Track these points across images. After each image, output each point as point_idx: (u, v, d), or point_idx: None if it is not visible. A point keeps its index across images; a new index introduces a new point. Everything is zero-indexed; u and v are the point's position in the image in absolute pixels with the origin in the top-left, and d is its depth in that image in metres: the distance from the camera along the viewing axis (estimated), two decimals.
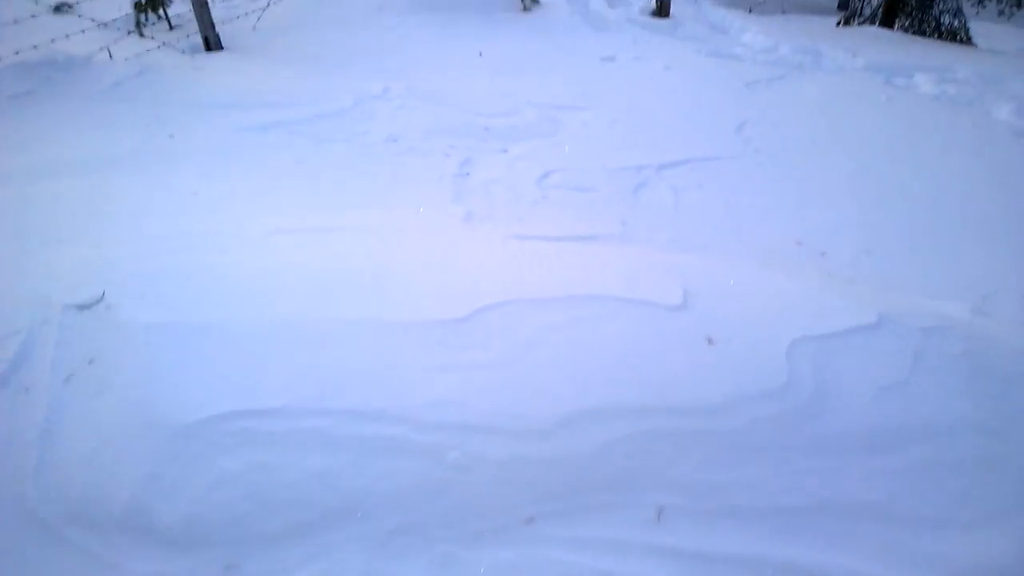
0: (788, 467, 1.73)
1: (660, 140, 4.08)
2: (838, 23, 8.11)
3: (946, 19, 7.54)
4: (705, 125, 4.30)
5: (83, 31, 4.52)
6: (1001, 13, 7.91)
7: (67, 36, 4.30)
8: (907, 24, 7.63)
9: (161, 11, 5.49)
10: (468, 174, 3.62)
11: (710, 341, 1.95)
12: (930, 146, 3.94)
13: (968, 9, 8.22)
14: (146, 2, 5.29)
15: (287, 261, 2.42)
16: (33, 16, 4.29)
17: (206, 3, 4.94)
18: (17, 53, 3.98)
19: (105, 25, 4.76)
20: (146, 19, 5.31)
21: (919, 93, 4.76)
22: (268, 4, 5.91)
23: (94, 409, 1.89)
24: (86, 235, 2.64)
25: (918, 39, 6.84)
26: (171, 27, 5.55)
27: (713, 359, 1.93)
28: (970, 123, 4.25)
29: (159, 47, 4.73)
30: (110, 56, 4.45)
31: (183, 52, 4.85)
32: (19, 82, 3.83)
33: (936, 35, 7.42)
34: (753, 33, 6.29)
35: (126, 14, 5.21)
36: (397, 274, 2.33)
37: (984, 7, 8.43)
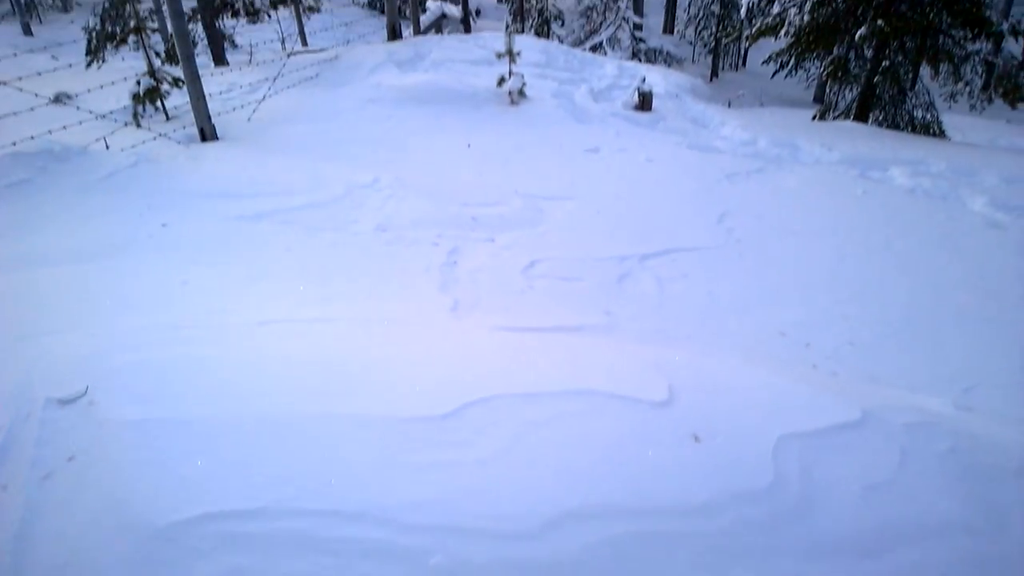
0: (776, 572, 1.69)
1: (643, 230, 4.18)
2: (814, 117, 8.49)
3: (919, 113, 7.92)
4: (687, 216, 4.41)
5: (80, 123, 4.64)
6: (973, 107, 8.32)
7: (64, 127, 4.41)
8: (881, 118, 8.01)
9: (159, 103, 5.66)
10: (455, 263, 3.67)
11: (696, 438, 1.95)
12: (907, 238, 4.05)
13: (940, 103, 8.65)
14: (144, 94, 5.46)
15: (273, 354, 2.42)
16: (32, 109, 4.40)
17: (203, 96, 5.11)
18: (15, 144, 4.07)
19: (103, 117, 4.89)
20: (144, 110, 5.47)
21: (894, 186, 4.93)
22: (264, 97, 6.11)
23: (71, 511, 1.83)
24: (74, 325, 2.63)
25: (892, 132, 7.14)
26: (168, 118, 5.71)
27: (699, 457, 1.91)
28: (945, 215, 4.39)
29: (155, 138, 4.85)
30: (107, 146, 4.56)
31: (179, 142, 4.97)
32: (15, 171, 3.90)
33: (910, 128, 7.77)
34: (732, 127, 6.56)
35: (124, 106, 5.37)
36: (383, 368, 2.32)
37: (956, 101, 8.88)
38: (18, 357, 2.37)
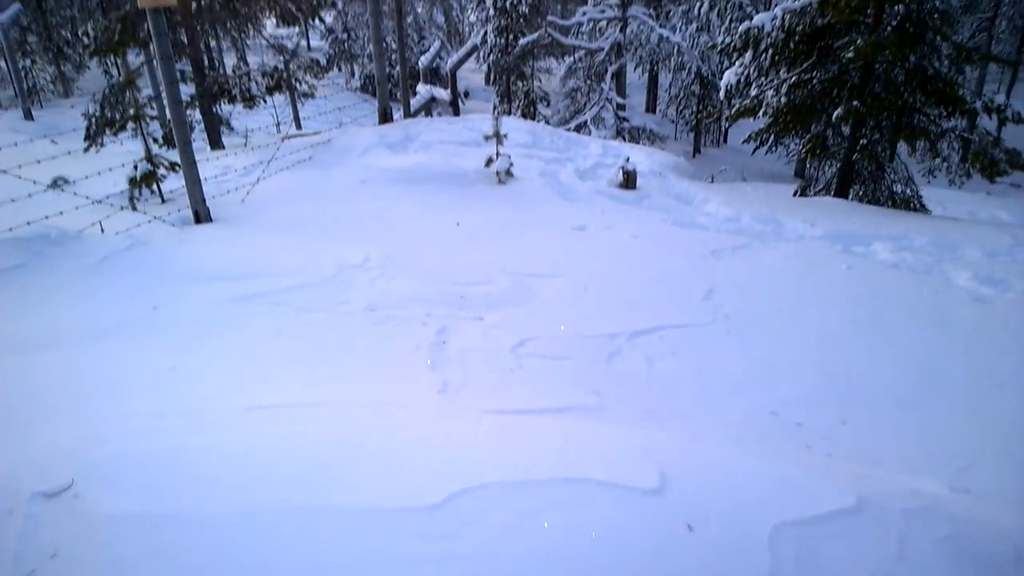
0: None
1: (631, 307, 4.21)
2: (795, 192, 8.71)
3: (898, 188, 8.14)
4: (674, 292, 4.46)
5: (77, 208, 4.70)
6: (952, 183, 8.57)
7: (61, 213, 4.46)
8: (861, 193, 8.22)
9: (155, 186, 5.76)
10: (444, 343, 3.67)
11: (690, 528, 1.91)
12: (893, 313, 4.10)
13: (919, 177, 8.91)
14: (141, 178, 5.56)
15: (261, 442, 2.38)
16: (30, 195, 4.47)
17: (198, 180, 5.21)
18: (11, 229, 4.10)
19: (100, 201, 4.96)
20: (140, 194, 5.55)
21: (878, 261, 5.02)
22: (258, 179, 6.23)
23: None
24: (62, 414, 2.60)
25: (873, 208, 7.32)
26: (163, 200, 5.80)
27: (693, 547, 1.87)
28: (931, 290, 4.46)
29: (150, 221, 4.91)
30: (102, 230, 4.61)
31: (173, 225, 5.03)
32: (10, 256, 3.92)
33: (890, 203, 7.97)
34: (716, 204, 6.71)
35: (121, 190, 5.46)
36: (372, 455, 2.29)
37: (934, 176, 9.14)
38: (3, 447, 2.33)
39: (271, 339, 3.52)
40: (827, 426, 2.92)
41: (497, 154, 7.09)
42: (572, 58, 21.08)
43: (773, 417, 3.01)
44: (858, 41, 7.16)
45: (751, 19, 8.09)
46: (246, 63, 25.92)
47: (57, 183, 5.87)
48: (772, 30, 7.58)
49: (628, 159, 7.50)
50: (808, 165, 9.05)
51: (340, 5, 27.02)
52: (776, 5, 8.39)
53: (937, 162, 7.95)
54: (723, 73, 9.02)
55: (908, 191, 7.91)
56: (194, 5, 11.61)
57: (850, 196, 8.05)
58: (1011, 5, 22.57)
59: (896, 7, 7.40)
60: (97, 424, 2.52)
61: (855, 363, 3.51)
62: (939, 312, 4.11)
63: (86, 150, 7.33)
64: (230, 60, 29.46)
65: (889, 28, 7.48)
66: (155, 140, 5.92)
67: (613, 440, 2.46)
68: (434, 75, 19.32)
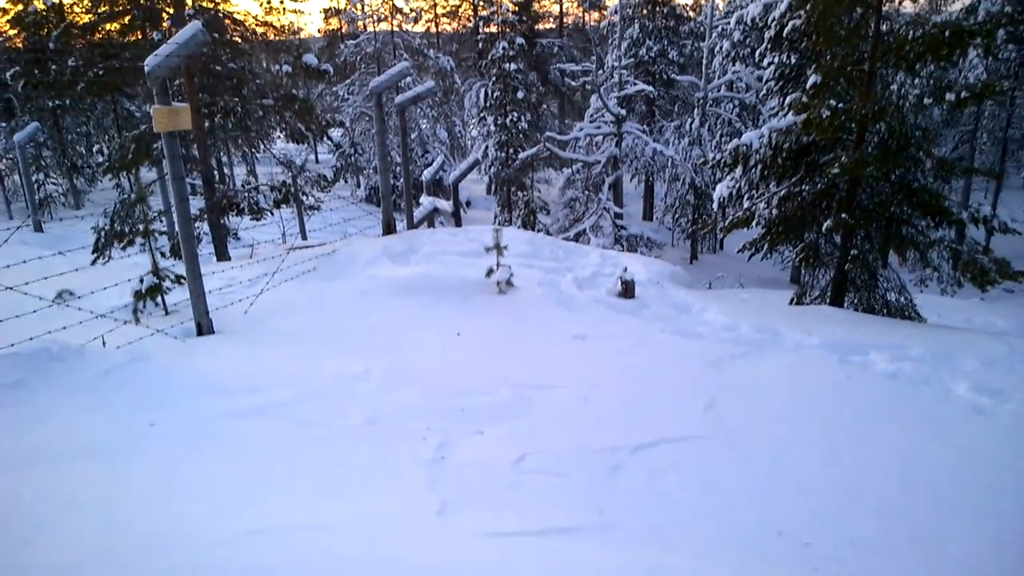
0: None
1: (633, 419, 4.18)
2: (792, 300, 8.81)
3: (892, 296, 8.25)
4: (675, 404, 4.44)
5: (81, 322, 4.76)
6: (944, 292, 8.70)
7: (64, 327, 4.52)
8: (856, 301, 8.32)
9: (160, 298, 5.86)
10: (444, 458, 3.63)
11: None
12: (894, 425, 4.06)
13: (912, 286, 9.05)
14: (146, 291, 5.67)
15: (256, 566, 2.31)
16: (35, 311, 4.54)
17: (203, 293, 5.31)
18: (13, 345, 4.14)
19: (103, 315, 5.03)
20: (144, 307, 5.64)
21: (876, 371, 5.02)
22: (261, 291, 6.34)
23: None
24: (54, 534, 2.53)
25: (869, 317, 7.39)
26: (167, 312, 5.88)
27: None
28: (930, 401, 4.43)
29: (152, 334, 4.96)
30: (103, 344, 4.65)
31: (176, 338, 5.08)
32: (10, 372, 3.94)
33: (885, 311, 8.06)
34: (713, 312, 6.78)
35: (125, 304, 5.55)
36: None
37: (926, 286, 9.29)
38: None
39: (269, 456, 3.48)
40: (834, 546, 2.83)
41: (498, 264, 7.24)
42: (570, 170, 21.90)
43: (779, 536, 2.92)
44: (843, 158, 7.49)
45: (740, 135, 8.50)
46: (255, 176, 26.93)
47: (62, 296, 5.97)
48: (760, 147, 7.95)
49: (626, 269, 7.64)
50: (803, 272, 9.21)
51: (348, 122, 28.42)
52: (763, 124, 8.85)
53: (928, 272, 8.10)
54: (716, 185, 9.37)
55: (902, 299, 8.02)
56: (207, 123, 12.26)
57: (845, 304, 8.15)
58: (990, 119, 23.71)
59: (878, 125, 7.79)
60: (87, 552, 2.45)
61: (860, 479, 3.45)
62: (940, 424, 4.07)
63: (93, 263, 7.51)
64: (240, 172, 30.62)
65: (872, 145, 7.84)
66: (162, 254, 6.06)
67: (618, 566, 2.38)
68: (437, 187, 20.00)
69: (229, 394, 4.17)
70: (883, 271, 8.27)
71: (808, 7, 7.97)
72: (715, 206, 9.21)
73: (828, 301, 8.29)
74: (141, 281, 5.70)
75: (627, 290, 7.39)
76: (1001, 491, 3.32)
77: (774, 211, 8.19)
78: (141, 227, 5.88)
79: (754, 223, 8.56)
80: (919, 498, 3.25)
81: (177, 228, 5.40)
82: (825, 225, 7.67)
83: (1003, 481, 3.42)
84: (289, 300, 6.45)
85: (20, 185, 18.14)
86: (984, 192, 26.49)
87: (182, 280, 5.67)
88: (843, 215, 7.51)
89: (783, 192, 8.21)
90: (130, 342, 4.75)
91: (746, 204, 8.50)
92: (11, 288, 4.53)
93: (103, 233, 7.67)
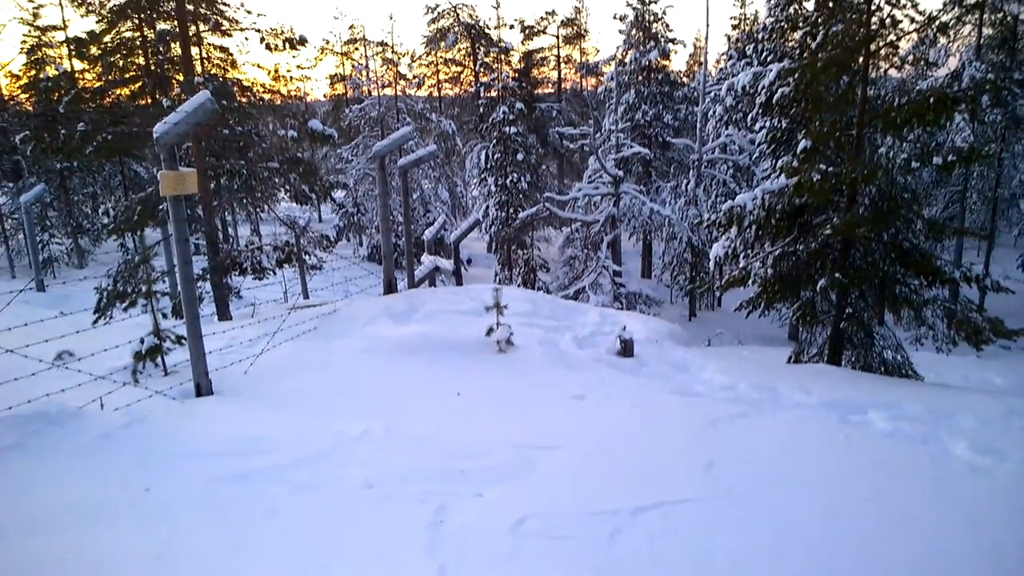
0: None
1: (633, 481, 4.16)
2: (789, 358, 8.83)
3: (889, 354, 8.27)
4: (675, 465, 4.42)
5: (80, 385, 4.78)
6: (939, 350, 8.73)
7: (63, 390, 4.54)
8: (853, 359, 8.34)
9: (160, 359, 5.88)
10: (442, 522, 3.60)
11: None
12: (894, 486, 4.04)
13: (908, 344, 9.08)
14: (146, 352, 5.70)
15: None
16: (34, 374, 4.57)
17: (203, 354, 5.34)
18: (11, 408, 4.15)
19: (102, 377, 5.05)
20: (143, 367, 5.66)
21: (875, 430, 5.02)
22: (261, 351, 6.37)
23: None
24: None
25: (866, 375, 7.41)
26: (166, 373, 5.90)
27: None
28: (928, 461, 4.42)
29: (151, 396, 4.97)
30: (102, 406, 4.66)
31: (174, 399, 5.09)
32: (6, 435, 3.94)
33: (882, 369, 8.07)
34: (712, 371, 6.80)
35: (125, 365, 5.57)
36: None
37: (922, 344, 9.32)
38: None
39: (265, 522, 3.46)
40: None
41: (497, 324, 7.29)
42: (569, 229, 22.19)
43: None
44: (835, 219, 7.64)
45: (734, 196, 8.69)
46: (259, 235, 27.26)
47: (62, 357, 6.00)
48: (754, 209, 8.11)
49: (624, 327, 7.69)
50: (800, 330, 9.26)
51: (351, 183, 28.95)
52: (757, 185, 9.04)
53: (924, 330, 8.16)
54: (712, 243, 9.51)
55: (899, 357, 8.04)
56: (213, 184, 12.53)
57: (843, 362, 8.17)
58: (979, 179, 24.14)
59: (868, 187, 7.98)
60: None
61: (863, 542, 3.42)
62: (940, 484, 4.05)
63: (95, 323, 7.56)
64: (244, 231, 30.99)
65: (863, 206, 8.01)
66: (164, 315, 6.12)
67: None
68: (438, 245, 20.24)
69: (225, 457, 4.15)
70: (879, 329, 8.32)
71: (796, 76, 8.26)
72: (711, 265, 9.32)
73: (826, 359, 8.30)
74: (142, 342, 5.74)
75: (626, 349, 7.43)
76: (1003, 551, 3.30)
77: (769, 270, 8.29)
78: (144, 288, 5.95)
79: (750, 282, 8.65)
80: (924, 562, 3.22)
81: (180, 289, 5.47)
82: (820, 284, 7.76)
83: (1005, 540, 3.40)
84: (289, 360, 6.47)
85: (24, 245, 18.34)
86: (976, 250, 26.78)
87: (183, 340, 5.71)
88: (837, 275, 7.61)
89: (778, 252, 8.34)
90: (128, 404, 4.76)
91: (742, 263, 8.61)
92: (11, 351, 4.56)
93: (105, 294, 7.75)
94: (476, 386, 6.07)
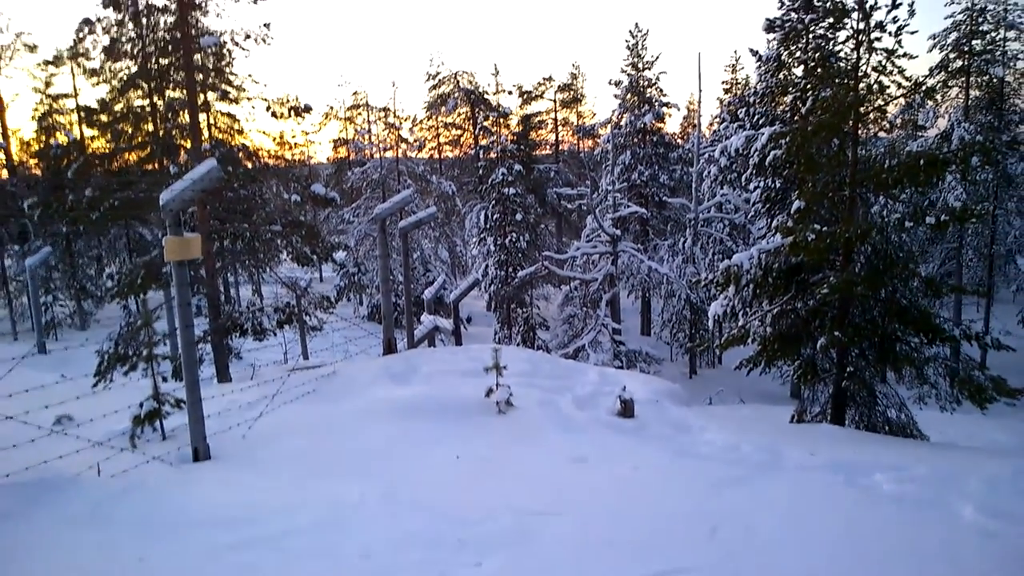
0: None
1: (635, 548, 4.08)
2: (792, 418, 8.76)
3: (892, 413, 8.21)
4: (679, 531, 4.34)
5: (78, 451, 4.75)
6: (943, 409, 8.67)
7: (60, 457, 4.51)
8: (857, 418, 8.27)
9: (158, 423, 5.85)
10: None
11: None
12: (903, 551, 3.97)
13: (911, 403, 9.01)
14: (145, 416, 5.67)
15: None
16: (32, 440, 4.54)
17: (202, 418, 5.32)
18: (8, 475, 4.12)
19: (100, 443, 5.02)
20: (142, 432, 5.62)
21: (882, 493, 4.94)
22: (260, 414, 6.34)
23: None
24: None
25: (871, 435, 7.33)
26: (164, 438, 5.85)
27: None
28: (937, 524, 4.34)
29: (148, 461, 4.93)
30: (99, 473, 4.61)
31: (171, 464, 5.04)
32: (1, 503, 3.89)
33: (886, 429, 7.99)
34: (714, 431, 6.74)
35: (123, 430, 5.54)
36: None
37: (926, 403, 9.25)
38: None
39: None
40: None
41: (497, 385, 7.27)
42: (568, 287, 22.31)
43: None
44: (831, 278, 7.71)
45: (732, 254, 8.79)
46: (260, 295, 27.37)
47: (61, 422, 5.97)
48: (750, 268, 8.19)
49: (625, 388, 7.65)
50: (802, 388, 9.21)
51: (353, 243, 29.26)
52: (753, 243, 9.16)
53: (926, 388, 8.12)
54: (711, 300, 9.57)
55: (903, 416, 7.98)
56: (217, 245, 12.68)
57: (846, 421, 8.10)
58: (974, 235, 24.38)
59: (864, 246, 8.08)
60: None
61: None
62: (949, 549, 3.97)
63: (95, 386, 7.54)
64: (245, 292, 31.13)
65: (859, 264, 8.09)
66: (164, 379, 6.12)
67: None
68: (438, 304, 20.32)
69: (221, 525, 4.09)
70: (881, 387, 8.29)
71: (787, 139, 8.48)
72: (711, 323, 9.36)
73: (829, 418, 8.24)
74: (141, 406, 5.71)
75: (626, 409, 7.37)
76: None
77: (768, 328, 8.32)
78: (145, 351, 5.96)
79: (750, 340, 8.66)
80: None
81: (180, 352, 5.49)
82: (819, 343, 7.77)
83: None
84: (288, 423, 6.42)
85: (28, 307, 18.41)
86: (976, 306, 26.81)
87: (182, 404, 5.69)
88: (836, 333, 7.63)
89: (776, 310, 8.38)
90: (125, 470, 4.72)
91: (741, 321, 8.65)
92: (11, 418, 4.55)
93: (107, 357, 7.75)
94: (475, 449, 6.01)
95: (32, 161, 26.29)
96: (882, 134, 9.48)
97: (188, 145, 12.95)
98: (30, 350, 10.91)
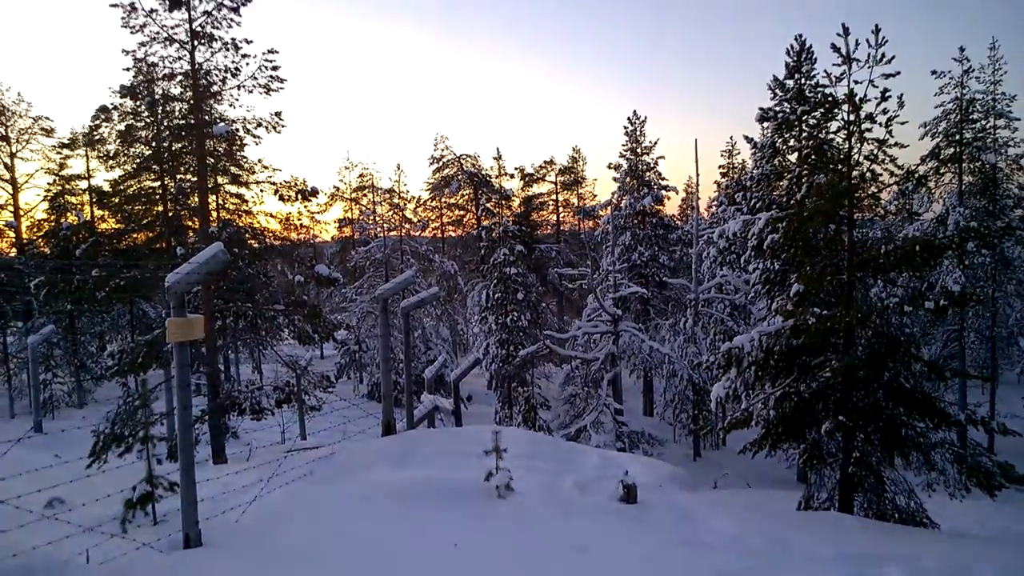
0: None
1: None
2: (799, 505, 8.54)
3: (901, 500, 8.01)
4: None
5: (68, 536, 4.64)
6: (952, 496, 8.47)
7: (50, 543, 4.40)
8: (866, 505, 8.07)
9: (151, 506, 5.73)
10: None
11: None
12: None
13: (920, 490, 8.80)
14: (138, 500, 5.56)
15: None
16: (22, 525, 4.45)
17: (195, 502, 5.20)
18: None
19: (91, 529, 4.91)
20: (133, 516, 5.50)
21: None
22: (255, 498, 6.20)
23: None
24: None
25: (880, 524, 7.14)
26: (156, 522, 5.72)
27: None
28: None
29: (138, 548, 4.80)
30: (87, 560, 4.49)
31: (161, 551, 4.91)
32: None
33: (895, 516, 7.78)
34: (720, 519, 6.58)
35: (115, 514, 5.42)
36: None
37: (934, 490, 9.04)
38: None
39: None
40: None
41: (497, 468, 7.15)
42: (569, 366, 22.22)
43: None
44: (833, 361, 7.70)
45: (733, 333, 8.81)
46: (260, 372, 27.21)
47: (52, 505, 5.86)
48: (752, 350, 8.20)
49: (627, 472, 7.52)
50: (809, 473, 9.03)
51: (355, 321, 29.35)
52: (754, 323, 9.19)
53: (934, 475, 7.96)
54: (713, 380, 9.50)
55: (912, 504, 7.78)
56: (218, 323, 12.73)
57: (855, 508, 7.90)
58: (976, 318, 24.38)
59: (864, 329, 8.10)
60: None
61: None
62: None
63: (89, 466, 7.42)
64: (245, 369, 30.97)
65: (861, 347, 8.09)
66: (159, 461, 6.04)
67: None
68: (439, 383, 20.17)
69: None
70: (889, 473, 8.13)
71: (784, 224, 8.65)
72: (713, 405, 9.27)
73: (837, 505, 8.04)
74: (134, 490, 5.61)
75: (629, 495, 7.22)
76: None
77: (772, 411, 8.24)
78: (141, 432, 5.90)
79: (753, 422, 8.56)
80: None
81: (177, 433, 5.43)
82: (824, 427, 7.68)
83: None
84: (282, 508, 6.28)
85: (27, 384, 18.28)
86: (980, 388, 26.52)
87: (175, 487, 5.58)
88: (840, 417, 7.55)
89: (779, 393, 8.33)
90: (114, 558, 4.59)
91: (743, 404, 8.57)
92: (2, 502, 4.47)
93: (102, 437, 7.67)
94: (474, 536, 5.86)
95: (41, 241, 26.72)
96: (878, 218, 9.68)
97: (196, 226, 13.20)
98: (27, 431, 10.80)
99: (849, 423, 7.51)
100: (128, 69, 13.68)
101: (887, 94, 8.14)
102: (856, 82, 8.34)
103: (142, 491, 5.64)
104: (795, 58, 19.77)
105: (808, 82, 19.34)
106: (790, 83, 19.69)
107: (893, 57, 8.13)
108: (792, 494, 9.68)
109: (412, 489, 7.01)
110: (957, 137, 24.24)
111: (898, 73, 8.20)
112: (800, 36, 19.87)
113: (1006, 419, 7.95)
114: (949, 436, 8.04)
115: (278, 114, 13.58)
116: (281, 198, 12.58)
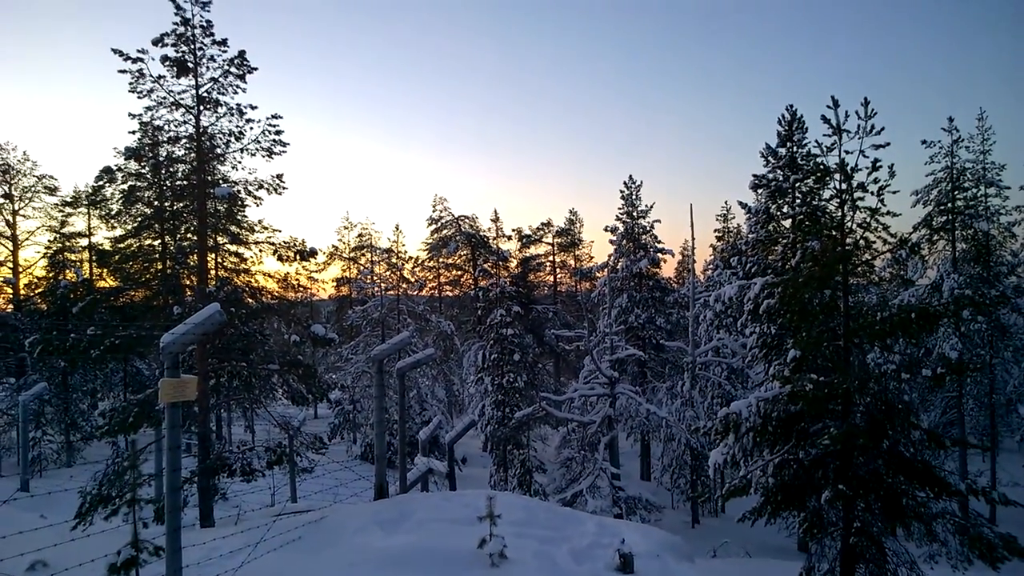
0: None
1: None
2: (800, 575, 8.34)
3: (903, 572, 7.82)
4: None
5: None
6: (955, 568, 8.28)
7: None
8: None
9: (135, 572, 5.57)
10: None
11: None
12: None
13: (922, 561, 8.61)
14: (121, 565, 5.42)
15: None
16: None
17: (180, 569, 5.08)
18: None
19: None
20: None
21: None
22: (241, 563, 6.05)
23: None
24: None
25: None
26: None
27: None
28: None
29: None
30: None
31: None
32: None
33: None
34: None
35: None
36: None
37: (937, 561, 8.85)
38: None
39: None
40: None
41: (491, 535, 6.99)
42: (566, 429, 21.97)
43: None
44: (831, 428, 7.64)
45: (730, 397, 8.77)
46: (252, 431, 26.81)
47: (35, 568, 5.70)
48: (749, 416, 8.14)
49: (624, 540, 7.36)
50: (809, 541, 8.84)
51: (350, 380, 29.12)
52: (752, 387, 9.17)
53: (936, 546, 7.80)
54: (711, 446, 9.39)
55: None
56: (212, 381, 12.65)
57: None
58: (974, 384, 24.25)
59: (863, 396, 8.07)
60: None
61: None
62: None
63: (74, 528, 7.25)
64: (237, 429, 30.54)
65: (859, 414, 8.04)
66: (144, 524, 5.91)
67: None
68: (433, 444, 19.89)
69: None
70: (891, 544, 7.96)
71: (779, 289, 8.73)
72: (711, 472, 9.14)
73: None
74: (118, 554, 5.47)
75: (625, 565, 7.04)
76: None
77: (771, 479, 8.12)
78: (128, 494, 5.79)
79: (752, 490, 8.43)
80: None
81: (165, 496, 5.34)
82: (824, 496, 7.56)
83: None
84: (271, 572, 6.12)
85: (15, 442, 17.97)
86: (981, 455, 26.19)
87: (161, 551, 5.45)
88: (840, 485, 7.44)
89: (778, 459, 8.23)
90: None
91: (742, 471, 8.46)
92: None
93: (89, 498, 7.51)
94: None
95: (39, 298, 26.75)
96: (873, 285, 9.77)
97: (195, 283, 13.28)
98: (12, 493, 10.56)
99: (849, 492, 7.40)
100: (133, 132, 13.98)
101: (878, 164, 8.32)
102: (847, 152, 8.53)
103: (126, 555, 5.48)
104: (786, 127, 20.32)
105: (800, 150, 19.83)
106: (782, 151, 20.19)
107: (883, 128, 8.35)
108: (792, 564, 9.46)
109: (404, 557, 6.84)
110: (949, 205, 24.58)
111: (888, 144, 8.40)
112: (791, 106, 20.48)
113: (1007, 488, 7.87)
114: (950, 506, 7.91)
115: (280, 176, 13.84)
116: (280, 259, 12.69)
